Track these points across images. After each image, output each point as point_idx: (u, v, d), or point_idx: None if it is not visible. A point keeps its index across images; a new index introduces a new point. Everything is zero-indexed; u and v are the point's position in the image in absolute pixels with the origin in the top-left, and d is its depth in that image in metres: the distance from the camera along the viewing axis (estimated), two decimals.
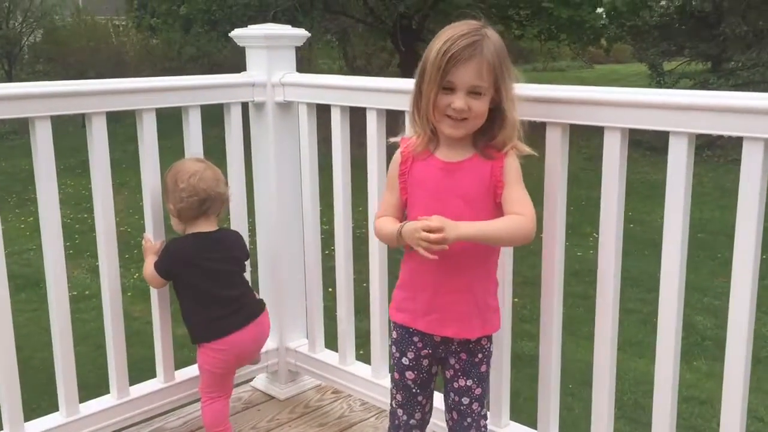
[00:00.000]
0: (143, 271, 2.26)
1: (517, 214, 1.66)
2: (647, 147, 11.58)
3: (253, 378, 2.71)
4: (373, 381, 2.40)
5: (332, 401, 2.62)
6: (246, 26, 2.55)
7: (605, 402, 1.87)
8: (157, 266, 2.21)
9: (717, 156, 11.27)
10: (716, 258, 7.36)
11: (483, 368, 1.80)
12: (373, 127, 2.23)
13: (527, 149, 1.71)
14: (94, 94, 2.08)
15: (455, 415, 1.82)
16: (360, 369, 2.47)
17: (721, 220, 8.68)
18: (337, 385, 2.55)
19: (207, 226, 2.22)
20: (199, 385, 2.29)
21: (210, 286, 2.20)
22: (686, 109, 1.56)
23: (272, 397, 2.66)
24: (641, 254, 6.91)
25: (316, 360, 2.58)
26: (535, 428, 2.04)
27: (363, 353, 2.56)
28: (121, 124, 9.07)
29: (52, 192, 2.04)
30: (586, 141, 11.43)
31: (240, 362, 2.31)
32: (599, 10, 13.35)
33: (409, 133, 1.83)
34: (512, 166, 1.69)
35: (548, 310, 1.94)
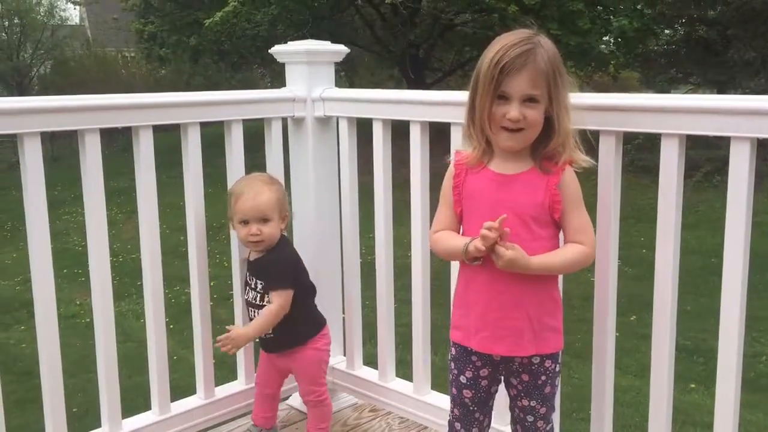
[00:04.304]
0: (269, 322, 2.20)
1: (579, 243, 1.67)
2: (657, 173, 11.63)
3: (289, 396, 2.67)
4: (415, 397, 2.37)
5: (371, 419, 2.58)
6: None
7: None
8: (291, 281, 2.22)
9: (727, 182, 11.27)
10: None
11: (547, 390, 1.75)
12: (417, 141, 2.23)
13: (585, 161, 1.68)
14: (141, 108, 2.09)
15: (519, 429, 1.80)
16: (401, 385, 2.44)
17: None
18: (376, 402, 2.52)
19: None
20: (314, 385, 2.30)
21: (309, 280, 2.34)
22: (749, 114, 1.56)
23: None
24: None
25: (354, 377, 2.55)
26: None
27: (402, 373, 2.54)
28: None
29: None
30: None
31: None
32: (606, 37, 13.45)
33: (463, 147, 1.81)
34: (570, 184, 1.67)
35: (601, 331, 1.91)
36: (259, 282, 2.25)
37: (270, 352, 2.32)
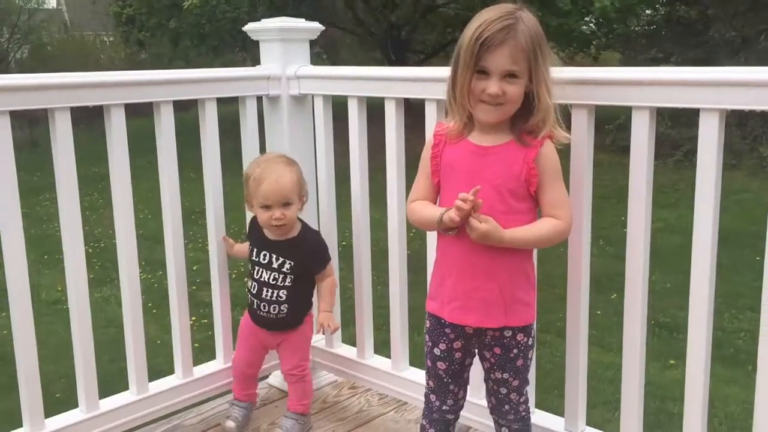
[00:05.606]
0: (334, 295, 2.32)
1: (554, 217, 1.68)
2: None
3: (269, 375, 2.68)
4: (393, 373, 2.39)
5: (350, 396, 2.59)
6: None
7: (635, 411, 1.87)
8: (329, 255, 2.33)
9: None
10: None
11: (519, 362, 1.77)
12: (392, 118, 2.23)
13: (565, 138, 1.69)
14: (112, 86, 2.07)
15: (493, 401, 1.83)
16: (379, 362, 2.46)
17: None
18: (355, 379, 2.54)
19: None
20: (303, 361, 2.35)
21: None
22: (716, 86, 1.57)
23: (288, 394, 2.63)
24: None
25: (333, 355, 2.56)
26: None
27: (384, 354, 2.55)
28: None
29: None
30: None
31: None
32: (587, 18, 13.43)
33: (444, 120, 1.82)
34: (548, 158, 1.67)
35: (574, 306, 1.93)
36: (288, 261, 2.22)
37: (277, 330, 2.30)
